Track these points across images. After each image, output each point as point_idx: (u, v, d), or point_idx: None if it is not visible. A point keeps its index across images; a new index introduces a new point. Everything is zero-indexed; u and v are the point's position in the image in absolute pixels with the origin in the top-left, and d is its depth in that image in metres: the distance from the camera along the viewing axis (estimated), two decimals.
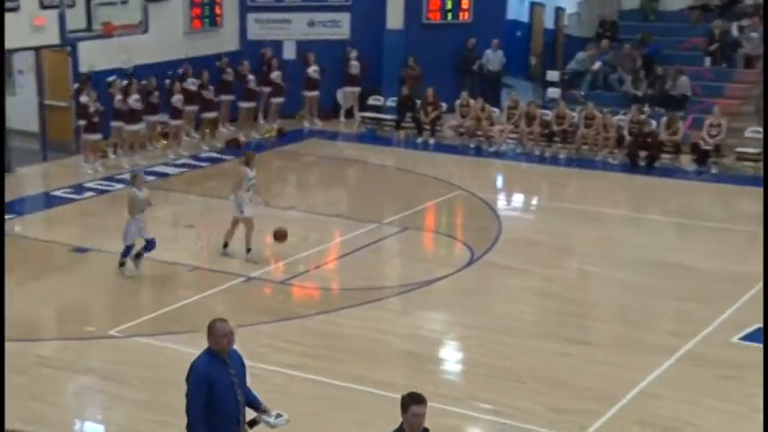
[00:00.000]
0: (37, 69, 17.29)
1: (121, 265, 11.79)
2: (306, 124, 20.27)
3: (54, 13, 16.84)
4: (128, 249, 11.75)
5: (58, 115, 17.50)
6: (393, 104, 20.04)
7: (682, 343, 10.06)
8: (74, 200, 15.25)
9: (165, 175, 16.67)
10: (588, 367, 9.58)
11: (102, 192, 15.66)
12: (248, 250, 12.30)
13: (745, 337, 10.25)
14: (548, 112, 18.86)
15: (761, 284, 11.64)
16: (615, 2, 22.04)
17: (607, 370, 9.52)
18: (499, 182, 17.73)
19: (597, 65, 20.03)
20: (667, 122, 17.60)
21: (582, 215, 14.67)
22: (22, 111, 17.06)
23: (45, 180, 16.48)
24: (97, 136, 16.88)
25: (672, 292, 11.59)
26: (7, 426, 7.30)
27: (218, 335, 6.24)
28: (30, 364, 9.47)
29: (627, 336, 10.36)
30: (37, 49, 16.96)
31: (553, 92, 20.33)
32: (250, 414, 6.47)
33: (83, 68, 17.45)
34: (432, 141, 19.03)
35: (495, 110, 19.44)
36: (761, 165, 16.81)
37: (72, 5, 17.12)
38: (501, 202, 15.99)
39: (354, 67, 20.35)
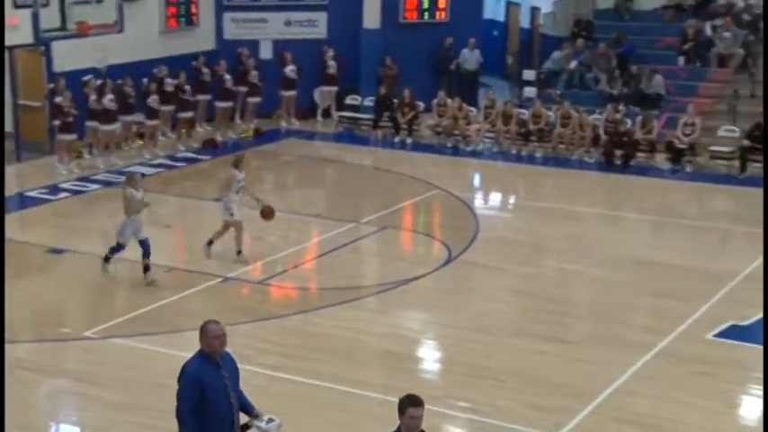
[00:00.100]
0: (11, 69, 17.15)
1: (106, 260, 11.62)
2: (283, 124, 20.23)
3: (27, 13, 16.71)
4: (119, 247, 11.57)
5: (32, 115, 17.37)
6: (370, 104, 20.05)
7: (657, 340, 10.14)
8: (48, 200, 15.14)
9: (142, 175, 16.53)
10: (565, 365, 9.64)
11: (77, 192, 15.56)
12: (239, 252, 12.25)
13: (720, 334, 10.35)
14: (524, 111, 18.94)
15: (734, 281, 11.78)
16: (590, 1, 22.18)
17: (584, 367, 9.58)
18: (476, 181, 17.79)
19: (573, 64, 20.15)
20: (642, 121, 17.74)
21: (558, 214, 14.76)
22: None
23: (19, 181, 16.32)
24: (72, 136, 16.77)
25: (647, 289, 11.68)
26: None
27: (211, 336, 6.18)
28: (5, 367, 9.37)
29: (603, 333, 10.43)
30: (10, 49, 16.81)
31: (529, 91, 20.42)
32: (242, 419, 6.42)
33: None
34: (409, 141, 19.05)
35: (472, 109, 19.50)
36: (734, 163, 16.99)
37: (46, 5, 17.00)
38: (478, 201, 16.04)
39: (331, 66, 20.34)
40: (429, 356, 10.27)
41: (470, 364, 9.61)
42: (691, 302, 11.10)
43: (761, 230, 13.81)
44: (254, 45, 20.34)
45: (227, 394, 6.17)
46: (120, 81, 17.53)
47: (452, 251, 12.89)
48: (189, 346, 10.05)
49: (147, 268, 11.49)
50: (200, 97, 19.11)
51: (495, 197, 17.01)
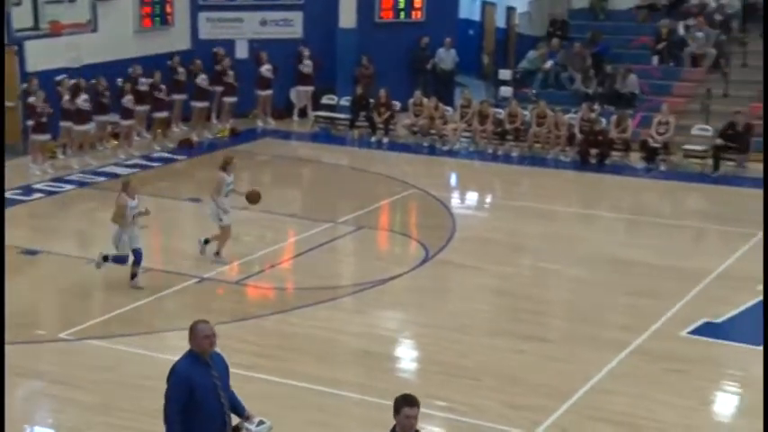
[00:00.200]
0: None
1: (101, 262, 11.35)
2: (259, 124, 20.18)
3: None
4: (121, 258, 11.26)
5: (6, 115, 17.19)
6: (347, 104, 20.05)
7: (632, 338, 10.22)
8: (22, 201, 15.00)
9: (116, 175, 16.46)
10: (542, 364, 9.69)
11: (51, 193, 15.43)
12: (217, 253, 12.22)
13: (693, 332, 10.45)
14: (500, 110, 19.01)
15: (708, 279, 11.90)
16: (565, 1, 22.30)
17: (560, 366, 9.63)
18: (453, 180, 17.84)
19: (549, 64, 20.25)
20: (617, 120, 17.86)
21: (534, 213, 14.83)
22: None
23: None
24: (46, 136, 16.62)
25: (622, 287, 11.77)
26: None
27: (200, 336, 6.14)
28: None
29: (579, 332, 10.50)
30: None
31: (505, 90, 20.50)
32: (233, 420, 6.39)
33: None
34: (385, 140, 19.07)
35: (449, 108, 19.55)
36: (708, 162, 17.15)
37: (18, 4, 16.87)
38: (455, 201, 16.08)
39: (307, 66, 20.31)
40: (406, 356, 10.29)
41: (447, 364, 9.64)
42: (665, 300, 11.20)
43: (734, 229, 13.99)
44: (229, 45, 20.27)
45: (217, 394, 6.14)
46: (93, 81, 17.40)
47: (429, 250, 12.92)
48: (165, 348, 10.07)
49: (134, 275, 11.35)
50: (176, 97, 19.02)
51: (472, 196, 17.07)
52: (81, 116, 16.96)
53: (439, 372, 9.48)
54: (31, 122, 16.50)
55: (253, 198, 12.31)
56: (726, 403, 9.23)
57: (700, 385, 9.29)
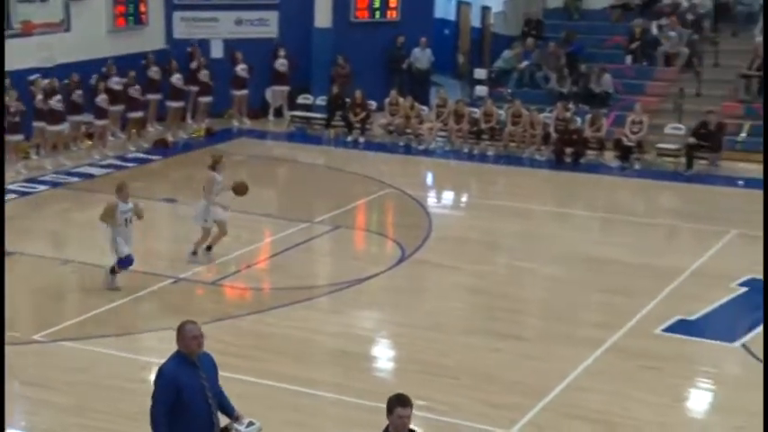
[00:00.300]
0: None
1: (111, 275, 11.24)
2: (235, 123, 20.12)
3: None
4: (123, 261, 11.14)
5: None
6: (323, 103, 20.03)
7: (607, 336, 10.29)
8: None
9: (91, 176, 16.38)
10: (518, 362, 9.74)
11: (25, 194, 15.30)
12: (194, 253, 12.20)
13: (668, 329, 10.54)
14: (476, 109, 19.08)
15: (682, 277, 12.01)
16: (540, 1, 22.40)
17: (536, 364, 9.69)
18: (429, 179, 17.88)
19: (524, 63, 20.33)
20: (591, 119, 17.98)
21: (510, 211, 14.90)
22: None
23: None
24: (19, 137, 16.47)
25: (597, 285, 11.85)
26: None
27: (188, 337, 6.10)
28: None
29: (555, 330, 10.56)
30: None
31: (481, 90, 20.57)
32: (222, 420, 6.35)
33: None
34: (361, 140, 19.07)
35: (424, 108, 19.59)
36: (681, 160, 17.31)
37: None
38: (431, 200, 16.12)
39: (283, 65, 20.27)
40: (383, 355, 10.31)
41: (424, 363, 9.66)
42: (639, 298, 11.29)
43: (707, 226, 14.14)
44: (204, 44, 20.19)
45: (204, 396, 6.11)
46: (66, 81, 17.27)
47: (405, 250, 12.94)
48: (141, 349, 10.03)
49: (113, 271, 11.26)
50: (151, 97, 18.92)
51: (448, 195, 17.11)
52: (54, 116, 16.83)
53: (416, 371, 9.50)
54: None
55: (240, 190, 12.22)
56: (699, 400, 9.33)
57: (674, 382, 9.38)
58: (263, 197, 15.77)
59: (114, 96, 17.88)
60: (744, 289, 11.63)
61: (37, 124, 16.88)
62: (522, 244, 13.44)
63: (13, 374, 9.37)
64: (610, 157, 17.72)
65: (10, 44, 17.00)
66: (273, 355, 9.80)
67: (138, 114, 18.59)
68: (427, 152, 18.51)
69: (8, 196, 15.13)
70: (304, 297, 11.32)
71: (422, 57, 21.19)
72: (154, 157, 17.69)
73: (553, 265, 12.51)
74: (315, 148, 18.90)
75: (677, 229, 14.56)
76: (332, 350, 10.14)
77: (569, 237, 13.80)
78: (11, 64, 17.13)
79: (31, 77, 16.97)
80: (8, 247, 12.69)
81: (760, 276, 11.85)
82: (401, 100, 19.23)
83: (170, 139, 18.65)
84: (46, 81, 16.98)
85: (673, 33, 19.70)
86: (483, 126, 18.57)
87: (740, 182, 16.58)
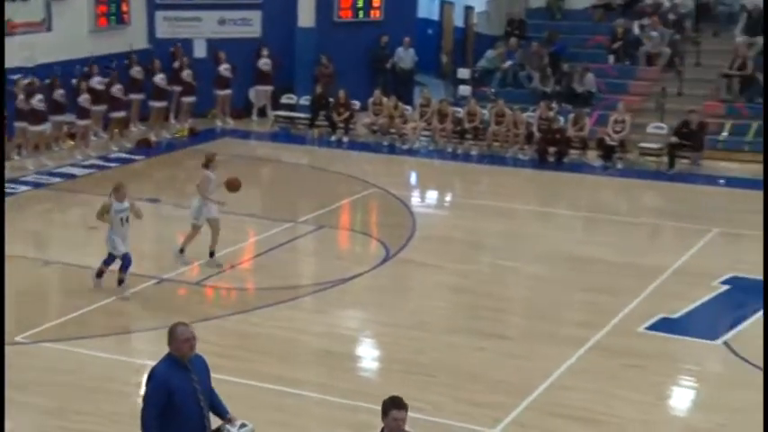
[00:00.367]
0: None
1: (120, 282, 11.14)
2: (218, 123, 20.06)
3: None
4: (125, 260, 11.07)
5: None
6: (306, 103, 20.01)
7: (591, 334, 10.34)
8: None
9: (73, 176, 16.30)
10: (502, 361, 9.77)
11: (6, 194, 15.17)
12: (181, 251, 12.13)
13: (651, 327, 10.60)
14: (459, 109, 19.11)
15: (664, 275, 12.08)
16: (523, 0, 22.47)
17: (520, 363, 9.72)
18: (413, 179, 17.90)
19: (507, 63, 20.38)
20: (574, 119, 18.06)
21: (494, 211, 14.93)
22: None
23: None
24: None
25: (581, 284, 11.90)
26: None
27: (180, 340, 6.05)
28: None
29: (539, 328, 10.59)
30: None
31: (464, 89, 20.62)
32: (214, 422, 6.32)
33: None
34: (345, 139, 19.07)
35: (408, 107, 19.61)
36: (663, 159, 17.40)
37: None
38: (415, 200, 16.13)
39: (266, 65, 20.24)
40: (367, 355, 10.31)
41: (408, 362, 9.67)
42: (622, 297, 11.34)
43: (689, 225, 14.22)
44: (187, 44, 20.12)
45: (196, 398, 6.06)
46: (48, 81, 17.17)
47: (390, 249, 12.95)
48: (123, 350, 9.99)
49: (99, 275, 11.19)
50: (134, 96, 18.84)
51: (432, 195, 17.13)
52: (36, 116, 16.73)
53: (400, 370, 9.51)
54: None
55: (232, 185, 12.18)
56: (682, 398, 9.39)
57: (657, 380, 9.43)
58: (246, 197, 15.66)
59: (97, 96, 17.80)
60: (725, 287, 11.71)
61: (19, 124, 16.77)
62: (505, 243, 13.48)
63: None
64: (593, 157, 17.80)
65: None
66: (258, 355, 9.79)
67: (121, 114, 18.51)
68: (411, 152, 18.53)
69: None
70: (288, 297, 11.31)
71: (405, 56, 21.21)
72: (137, 157, 17.61)
73: (536, 264, 12.55)
74: (298, 148, 18.88)
75: (659, 227, 14.64)
76: (316, 350, 10.13)
77: (552, 236, 13.85)
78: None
79: (13, 77, 16.86)
80: None
81: (741, 274, 11.96)
82: (385, 100, 19.25)
83: (153, 138, 18.59)
84: (26, 81, 16.88)
85: (654, 33, 19.80)
86: (467, 126, 18.61)
87: (721, 181, 16.70)
